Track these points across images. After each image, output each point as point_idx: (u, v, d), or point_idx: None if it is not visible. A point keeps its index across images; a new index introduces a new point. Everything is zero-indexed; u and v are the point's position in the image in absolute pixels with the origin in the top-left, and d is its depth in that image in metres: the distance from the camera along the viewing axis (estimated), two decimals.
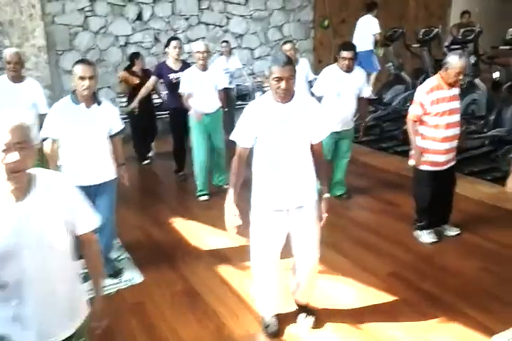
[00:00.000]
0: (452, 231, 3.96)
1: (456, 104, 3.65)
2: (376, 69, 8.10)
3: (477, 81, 6.94)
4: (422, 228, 3.90)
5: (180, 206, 4.86)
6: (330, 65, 4.61)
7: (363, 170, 5.67)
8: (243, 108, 7.01)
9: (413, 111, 3.68)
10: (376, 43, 8.13)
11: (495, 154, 5.73)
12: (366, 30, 8.03)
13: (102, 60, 7.70)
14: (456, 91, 3.66)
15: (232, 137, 2.60)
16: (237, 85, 8.53)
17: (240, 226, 2.55)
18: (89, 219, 1.78)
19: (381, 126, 7.29)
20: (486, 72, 8.73)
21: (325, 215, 2.64)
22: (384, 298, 3.11)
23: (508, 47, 6.13)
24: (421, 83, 7.07)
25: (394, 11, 9.83)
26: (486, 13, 10.42)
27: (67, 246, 1.69)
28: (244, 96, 8.50)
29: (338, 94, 4.40)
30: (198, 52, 4.57)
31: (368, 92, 4.60)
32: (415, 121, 3.69)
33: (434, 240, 3.84)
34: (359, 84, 4.45)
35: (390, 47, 7.96)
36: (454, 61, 3.46)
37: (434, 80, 3.64)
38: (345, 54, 4.28)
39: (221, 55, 7.32)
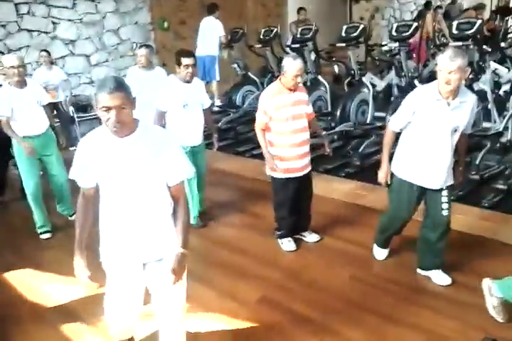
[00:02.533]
0: (313, 238, 3.85)
1: (302, 109, 3.51)
2: (217, 79, 7.87)
3: (320, 78, 7.10)
4: (281, 236, 3.75)
5: (12, 249, 4.06)
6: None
7: (221, 180, 5.39)
8: (85, 120, 6.34)
9: (259, 119, 3.50)
10: (220, 46, 7.92)
11: (345, 149, 5.86)
12: (210, 33, 7.77)
13: None
14: (300, 95, 3.52)
15: (70, 176, 2.11)
16: (76, 96, 7.76)
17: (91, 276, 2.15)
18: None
19: (235, 129, 7.11)
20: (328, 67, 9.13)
21: (173, 274, 2.13)
22: (253, 327, 2.83)
23: (344, 44, 6.29)
24: (268, 82, 7.05)
25: (232, 10, 9.76)
26: (318, 11, 10.85)
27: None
28: (85, 107, 7.75)
29: (184, 107, 4.00)
30: (11, 67, 3.84)
31: (208, 103, 4.27)
32: (263, 129, 3.51)
33: (293, 248, 3.70)
34: (201, 93, 4.12)
35: (234, 49, 7.83)
36: (289, 64, 3.31)
37: (274, 86, 3.48)
38: (187, 61, 3.84)
39: (40, 65, 6.48)
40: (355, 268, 3.41)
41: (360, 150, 5.50)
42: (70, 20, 7.78)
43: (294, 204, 3.68)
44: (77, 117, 7.46)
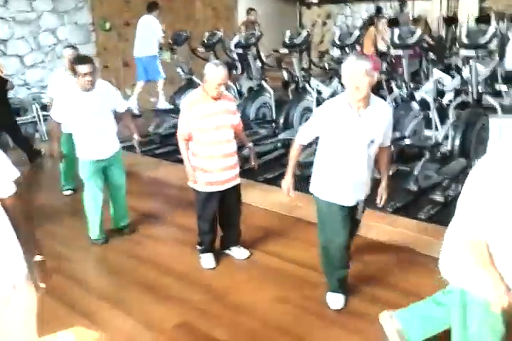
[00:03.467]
0: (242, 255, 3.63)
1: (227, 119, 3.30)
2: (162, 77, 7.57)
3: (264, 84, 6.92)
4: (202, 251, 3.53)
5: None
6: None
7: (148, 189, 5.11)
8: (21, 124, 5.91)
9: (180, 128, 3.28)
10: (161, 47, 7.62)
11: (286, 158, 5.66)
12: (149, 33, 7.45)
13: None
14: (226, 104, 3.30)
15: None
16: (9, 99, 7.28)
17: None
18: None
19: None
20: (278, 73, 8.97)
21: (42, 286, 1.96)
22: None
23: (286, 50, 6.14)
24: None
25: (180, 13, 9.49)
26: (268, 16, 10.72)
27: None
28: (18, 110, 7.30)
29: (85, 117, 3.65)
30: None
31: (123, 107, 3.95)
32: (186, 139, 3.28)
33: (213, 266, 3.48)
34: (110, 99, 3.79)
35: (176, 52, 7.54)
36: (211, 72, 3.10)
37: (197, 94, 3.26)
38: (83, 69, 3.50)
39: None
40: (286, 289, 3.21)
41: (301, 159, 5.31)
42: (1, 18, 7.30)
43: (216, 219, 3.49)
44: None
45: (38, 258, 1.96)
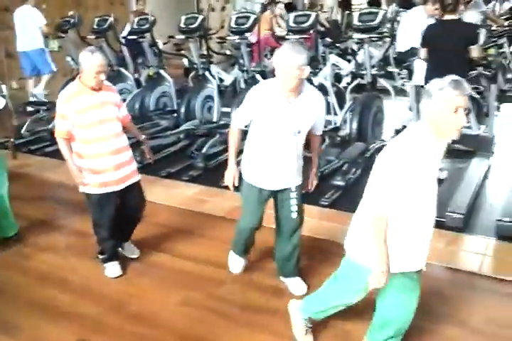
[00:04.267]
0: (132, 254, 3.41)
1: (111, 112, 3.03)
2: (51, 70, 6.97)
3: (162, 72, 6.64)
4: (104, 260, 3.26)
5: None
6: None
7: (40, 192, 4.70)
8: None
9: (58, 126, 2.97)
10: (47, 36, 7.02)
11: (190, 150, 5.48)
12: (29, 24, 6.84)
13: None
14: (107, 96, 3.03)
15: None
16: None
17: None
18: None
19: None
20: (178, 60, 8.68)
21: None
22: None
23: (183, 36, 5.90)
24: (107, 79, 6.37)
25: None
26: (164, 0, 10.33)
27: None
28: None
29: None
30: None
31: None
32: (67, 139, 2.98)
33: (119, 274, 3.22)
34: None
35: (65, 40, 7.00)
36: (87, 60, 2.83)
37: (74, 86, 2.96)
38: None
39: None
40: (190, 291, 3.05)
41: (204, 150, 5.16)
42: None
43: (116, 223, 3.20)
44: None
45: None
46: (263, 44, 6.83)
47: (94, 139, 2.95)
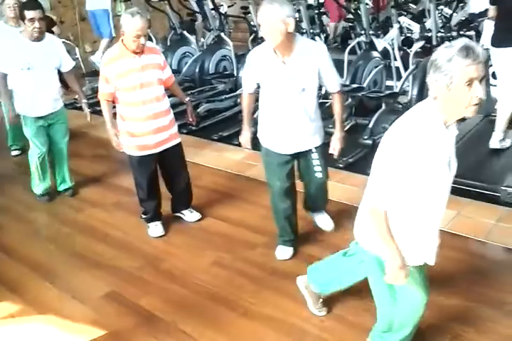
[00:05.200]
0: (193, 217, 3.47)
1: (152, 75, 3.02)
2: (111, 35, 7.06)
3: (222, 35, 6.56)
4: (147, 220, 3.36)
5: None
6: None
7: (96, 151, 4.88)
8: None
9: (101, 88, 3.02)
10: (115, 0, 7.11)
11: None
12: None
13: None
14: (150, 58, 3.02)
15: None
16: None
17: None
18: None
19: None
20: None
21: None
22: (89, 333, 2.46)
23: None
24: (170, 43, 6.45)
25: None
26: None
27: None
28: None
29: (28, 69, 3.45)
30: None
31: (69, 65, 3.72)
32: (109, 101, 3.04)
33: (161, 234, 3.31)
34: (56, 54, 3.58)
35: (132, 3, 7.08)
36: (127, 23, 2.81)
37: (116, 48, 2.97)
38: (31, 14, 3.32)
39: None
40: (224, 252, 3.08)
41: (255, 115, 5.09)
42: None
43: (155, 185, 3.28)
44: None
45: None
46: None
47: (134, 103, 2.98)
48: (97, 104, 4.61)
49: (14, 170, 4.60)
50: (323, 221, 3.17)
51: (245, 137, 2.89)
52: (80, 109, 3.99)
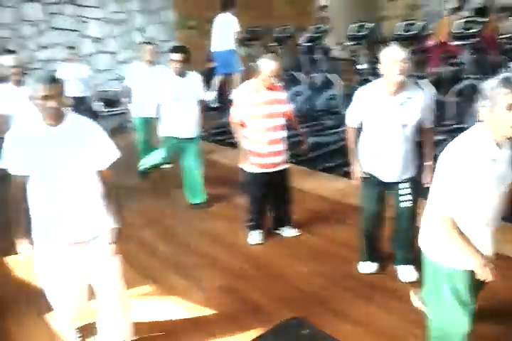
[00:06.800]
0: (291, 233, 3.96)
1: (277, 108, 3.60)
2: (238, 70, 7.96)
3: (331, 77, 7.14)
4: (250, 227, 3.90)
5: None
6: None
7: (218, 173, 5.60)
8: (112, 115, 6.75)
9: (233, 113, 3.66)
10: (236, 41, 8.02)
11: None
12: (225, 29, 7.84)
13: None
14: (277, 95, 3.61)
15: (1, 164, 2.29)
16: (104, 92, 8.17)
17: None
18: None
19: None
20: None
21: (113, 247, 2.43)
22: (210, 315, 3.00)
23: (351, 42, 6.33)
24: (283, 82, 7.12)
25: (258, 10, 9.87)
26: (340, 6, 10.76)
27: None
28: (113, 102, 8.16)
29: (175, 99, 4.29)
30: (10, 67, 4.15)
31: (201, 96, 4.51)
32: (239, 124, 3.65)
33: (259, 241, 3.84)
34: (196, 87, 4.39)
35: (252, 47, 7.97)
36: (266, 64, 3.43)
37: (252, 83, 3.59)
38: (174, 56, 4.22)
39: (66, 61, 6.79)
40: (322, 264, 3.51)
41: None
42: (98, 18, 8.19)
43: (264, 198, 3.83)
44: (107, 111, 7.89)
45: (115, 225, 2.41)
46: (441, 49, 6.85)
47: (260, 129, 3.58)
48: (218, 134, 5.33)
49: (147, 185, 5.41)
50: (404, 272, 3.24)
51: (355, 171, 3.18)
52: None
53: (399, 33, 6.20)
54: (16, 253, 2.43)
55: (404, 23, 6.40)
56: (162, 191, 4.96)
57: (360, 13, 11.18)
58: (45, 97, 2.11)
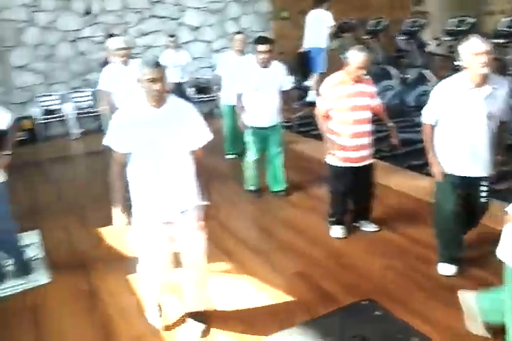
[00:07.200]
0: (369, 228, 3.93)
1: (364, 101, 3.58)
2: (321, 70, 7.85)
3: (426, 72, 6.91)
4: (333, 222, 3.91)
5: None
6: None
7: (300, 163, 5.67)
8: (202, 101, 7.01)
9: (319, 106, 3.67)
10: (330, 37, 7.98)
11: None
12: (319, 25, 7.81)
13: (52, 55, 7.61)
14: (364, 87, 3.59)
15: (105, 142, 2.52)
16: (197, 79, 8.49)
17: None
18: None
19: None
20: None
21: (200, 223, 2.61)
22: (283, 298, 3.10)
23: (449, 38, 6.08)
24: (373, 76, 7.06)
25: (355, 2, 9.72)
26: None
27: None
28: (205, 89, 8.47)
29: (256, 90, 4.39)
30: (118, 49, 4.47)
31: (288, 85, 4.56)
32: (324, 116, 3.66)
33: (342, 236, 3.84)
34: (279, 78, 4.44)
35: (344, 39, 7.89)
36: (353, 56, 3.42)
37: (339, 75, 3.59)
38: (260, 48, 4.28)
39: (167, 48, 7.13)
40: (396, 260, 3.47)
41: None
42: (196, 7, 8.49)
43: (347, 193, 3.81)
44: (198, 98, 8.21)
45: (205, 202, 2.62)
46: None
47: (344, 122, 3.57)
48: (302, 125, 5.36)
49: (231, 169, 5.62)
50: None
51: (437, 168, 3.08)
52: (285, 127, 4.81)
53: (502, 28, 5.84)
54: (109, 224, 2.67)
55: (510, 18, 6.01)
56: (239, 176, 5.06)
57: (461, 7, 10.67)
58: (152, 80, 2.30)
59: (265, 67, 4.34)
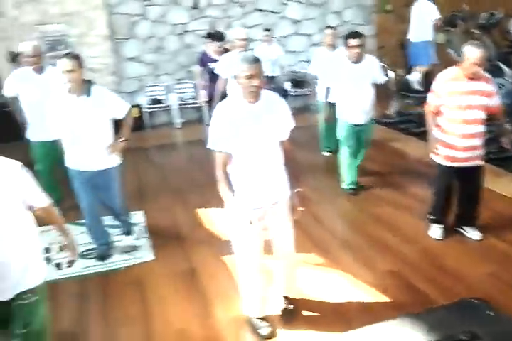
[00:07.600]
0: (473, 235, 3.71)
1: (478, 100, 3.37)
2: (429, 62, 7.49)
3: None
4: (432, 221, 3.79)
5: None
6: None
7: (398, 161, 5.56)
8: (299, 96, 7.06)
9: (430, 100, 3.54)
10: (437, 30, 7.62)
11: None
12: (423, 18, 7.45)
13: (160, 47, 8.04)
14: (480, 85, 3.38)
15: (209, 146, 2.56)
16: (293, 72, 8.54)
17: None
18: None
19: None
20: None
21: (300, 209, 2.69)
22: (375, 296, 3.09)
23: None
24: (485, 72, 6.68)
25: None
26: None
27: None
28: (301, 83, 8.48)
29: (347, 85, 4.36)
30: (238, 39, 4.63)
31: (382, 79, 4.47)
32: (434, 112, 3.52)
33: (439, 237, 3.71)
34: (372, 73, 4.37)
35: (452, 33, 7.50)
36: (469, 52, 3.25)
37: (454, 70, 3.43)
38: (352, 42, 4.22)
39: (262, 42, 7.17)
40: (501, 267, 3.31)
41: None
42: (298, 1, 8.51)
43: (451, 194, 3.67)
44: (294, 92, 8.26)
45: (298, 189, 2.70)
46: None
47: (455, 120, 3.41)
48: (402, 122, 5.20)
49: (326, 165, 5.62)
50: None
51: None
52: (384, 124, 4.71)
53: None
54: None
55: None
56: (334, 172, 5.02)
57: None
58: (250, 76, 2.38)
59: (356, 62, 4.28)
